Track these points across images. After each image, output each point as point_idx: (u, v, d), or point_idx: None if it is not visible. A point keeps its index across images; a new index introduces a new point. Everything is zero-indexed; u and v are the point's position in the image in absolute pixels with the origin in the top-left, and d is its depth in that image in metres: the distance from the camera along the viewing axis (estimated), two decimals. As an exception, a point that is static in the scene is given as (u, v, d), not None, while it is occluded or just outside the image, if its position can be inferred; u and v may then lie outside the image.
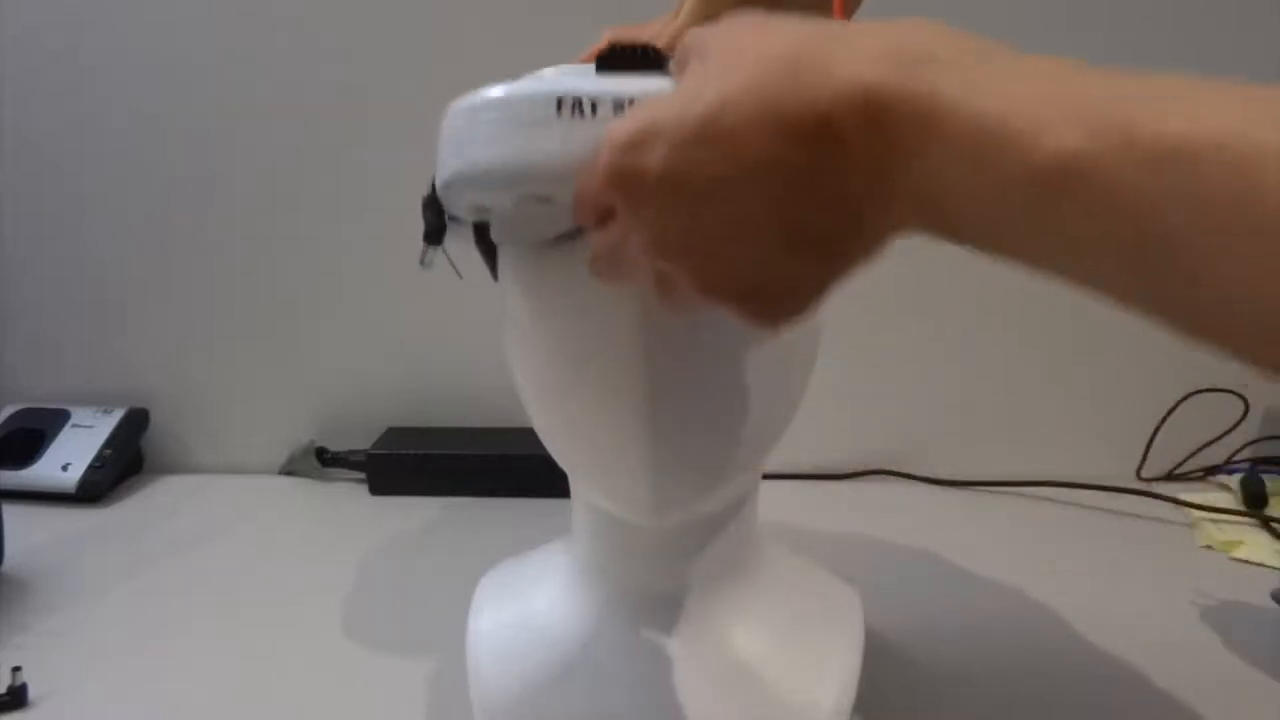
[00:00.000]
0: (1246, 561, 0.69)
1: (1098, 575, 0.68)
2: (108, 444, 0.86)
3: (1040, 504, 0.82)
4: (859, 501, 0.84)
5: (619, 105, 0.34)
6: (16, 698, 0.51)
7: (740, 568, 0.47)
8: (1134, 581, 0.66)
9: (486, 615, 0.50)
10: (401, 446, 0.87)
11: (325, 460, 0.89)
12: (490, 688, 0.46)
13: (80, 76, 0.88)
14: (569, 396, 0.41)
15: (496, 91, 0.36)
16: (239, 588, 0.67)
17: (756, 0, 0.39)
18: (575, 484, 0.47)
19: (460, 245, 0.45)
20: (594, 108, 0.34)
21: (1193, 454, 0.86)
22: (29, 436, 0.87)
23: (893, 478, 0.88)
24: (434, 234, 0.43)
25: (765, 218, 0.28)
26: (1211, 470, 0.86)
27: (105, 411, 0.90)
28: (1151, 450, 0.86)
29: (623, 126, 0.30)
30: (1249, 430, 0.85)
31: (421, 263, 0.44)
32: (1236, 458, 0.86)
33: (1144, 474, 0.86)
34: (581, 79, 0.36)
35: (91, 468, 0.85)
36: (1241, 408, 0.84)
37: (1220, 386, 0.83)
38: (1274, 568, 0.68)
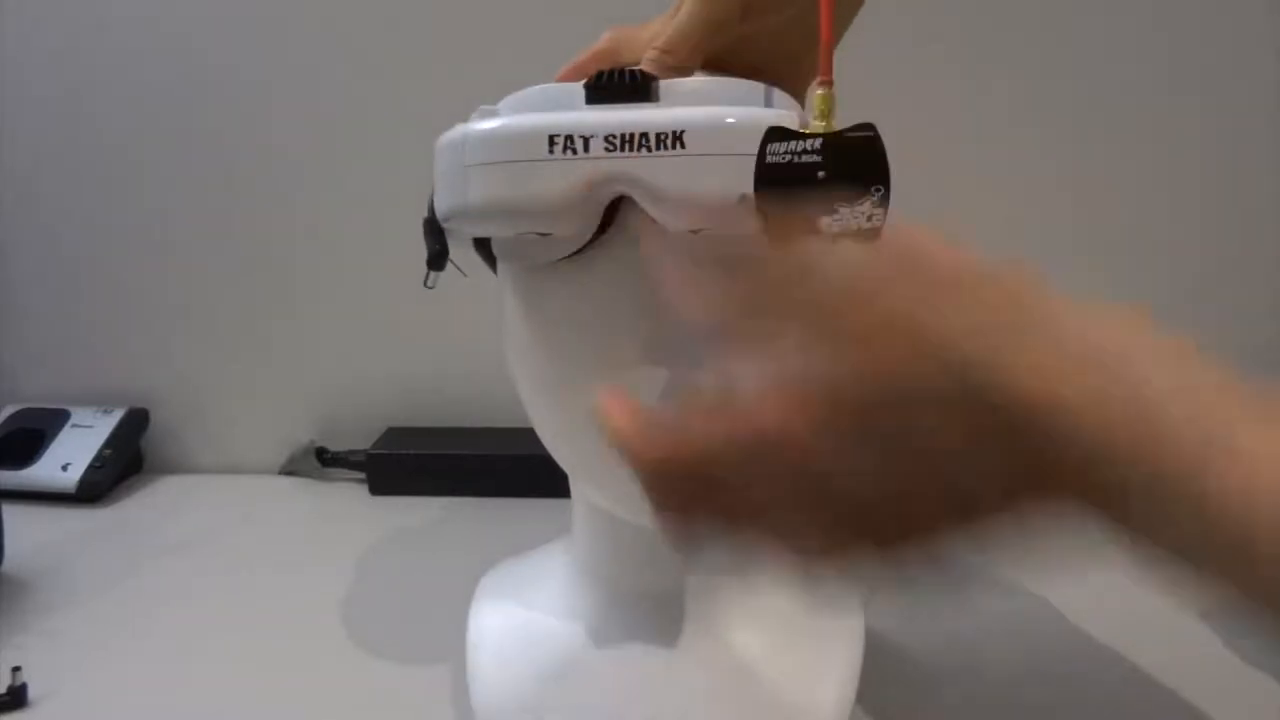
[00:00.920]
0: (1247, 562, 0.69)
1: (1097, 574, 0.67)
2: (108, 444, 0.86)
3: (1040, 504, 0.82)
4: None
5: (611, 140, 0.34)
6: (16, 698, 0.51)
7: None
8: (1134, 581, 0.66)
9: (486, 615, 0.50)
10: (401, 446, 0.87)
11: (325, 460, 0.89)
12: (490, 688, 0.46)
13: (80, 76, 0.88)
14: (569, 398, 0.41)
15: (487, 125, 0.36)
16: (239, 588, 0.67)
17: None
18: (575, 484, 0.47)
19: (460, 244, 0.45)
20: (586, 144, 0.34)
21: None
22: (29, 436, 0.87)
23: (893, 478, 0.88)
24: (436, 258, 0.43)
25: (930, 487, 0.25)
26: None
27: (105, 411, 0.90)
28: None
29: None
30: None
31: (426, 284, 0.44)
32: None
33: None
34: (572, 113, 0.36)
35: (91, 468, 0.84)
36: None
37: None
38: (1274, 568, 0.68)
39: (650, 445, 0.26)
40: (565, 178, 0.35)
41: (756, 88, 0.38)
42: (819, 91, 0.33)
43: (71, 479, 0.84)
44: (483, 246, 0.45)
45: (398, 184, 0.73)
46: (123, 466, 0.88)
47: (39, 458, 0.86)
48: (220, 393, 0.93)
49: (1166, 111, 0.82)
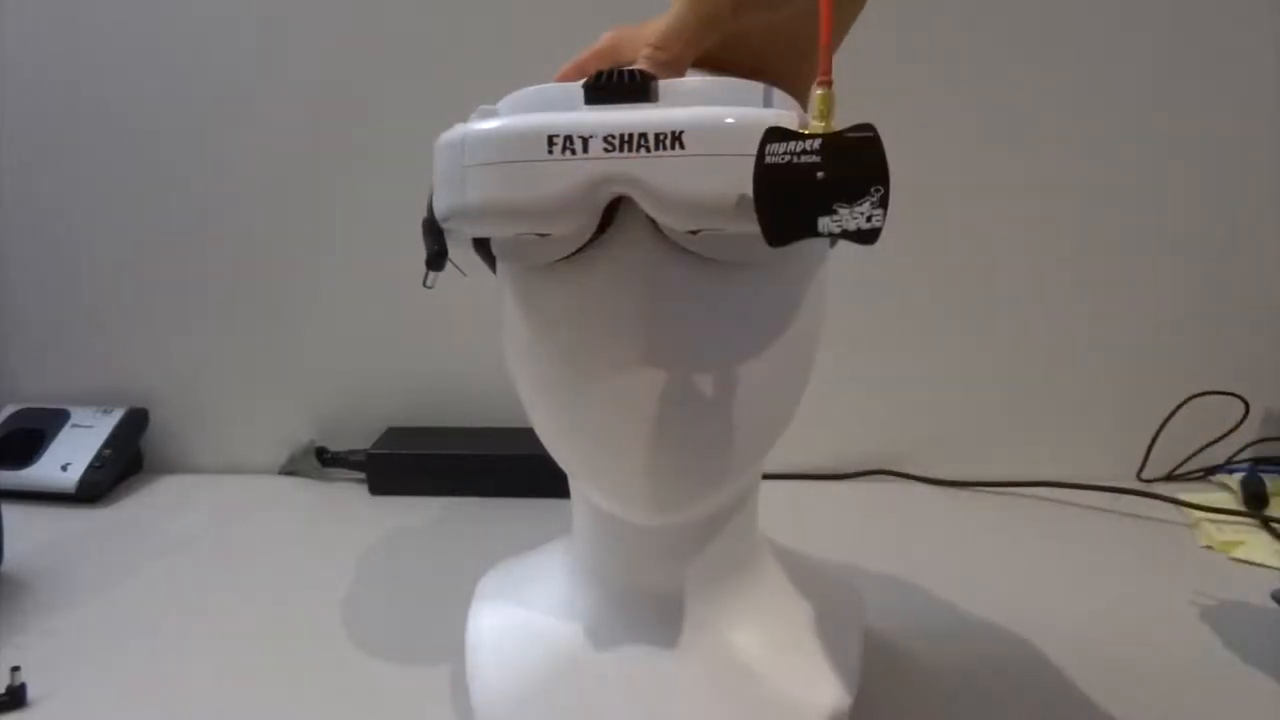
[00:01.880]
0: (1246, 562, 0.69)
1: (1098, 576, 0.68)
2: (107, 444, 0.87)
3: (1041, 504, 0.82)
4: (859, 501, 0.84)
5: (610, 140, 0.34)
6: (16, 698, 0.51)
7: (740, 568, 0.47)
8: (1134, 582, 0.66)
9: (486, 615, 0.50)
10: (401, 446, 0.87)
11: (325, 460, 0.89)
12: (490, 688, 0.46)
13: (80, 76, 0.88)
14: (569, 398, 0.41)
15: (487, 126, 0.36)
16: (239, 588, 0.67)
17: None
18: (575, 484, 0.47)
19: (460, 244, 0.45)
20: (585, 144, 0.34)
21: (1193, 455, 0.86)
22: (29, 436, 0.88)
23: (893, 478, 0.88)
24: (435, 259, 0.43)
25: None
26: (1211, 470, 0.86)
27: (105, 411, 0.90)
28: (1153, 452, 0.86)
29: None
30: (1249, 432, 0.85)
31: (425, 284, 0.44)
32: (1237, 458, 0.86)
33: (1144, 476, 0.86)
34: (571, 113, 0.35)
35: (91, 468, 0.85)
36: (1242, 410, 0.84)
37: (1221, 390, 0.83)
38: (1274, 568, 0.68)
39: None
40: (564, 178, 0.35)
41: (756, 88, 0.38)
42: (819, 92, 0.33)
43: (71, 479, 0.84)
44: (482, 246, 0.45)
45: (397, 184, 0.73)
46: (122, 466, 0.88)
47: (39, 458, 0.86)
48: (220, 393, 0.93)
49: (1167, 111, 0.82)
